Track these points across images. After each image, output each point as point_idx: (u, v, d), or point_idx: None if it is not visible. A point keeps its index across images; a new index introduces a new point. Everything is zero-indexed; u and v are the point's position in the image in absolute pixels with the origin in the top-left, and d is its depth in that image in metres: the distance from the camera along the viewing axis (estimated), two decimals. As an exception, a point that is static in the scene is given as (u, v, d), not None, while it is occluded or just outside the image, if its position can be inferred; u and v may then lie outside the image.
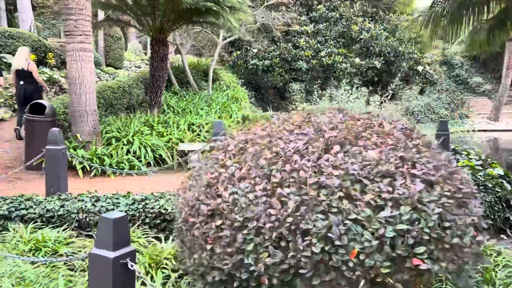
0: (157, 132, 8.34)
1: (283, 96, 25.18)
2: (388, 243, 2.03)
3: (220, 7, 9.06)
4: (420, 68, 21.57)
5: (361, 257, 2.00)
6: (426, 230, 2.03)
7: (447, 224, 2.10)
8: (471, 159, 6.15)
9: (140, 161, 7.40)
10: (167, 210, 4.39)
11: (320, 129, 2.57)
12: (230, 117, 10.11)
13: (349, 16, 20.51)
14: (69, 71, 7.30)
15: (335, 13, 20.58)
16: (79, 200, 4.59)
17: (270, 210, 2.17)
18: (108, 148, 7.45)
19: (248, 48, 19.21)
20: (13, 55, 14.29)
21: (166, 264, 3.61)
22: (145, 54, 30.56)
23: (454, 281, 2.76)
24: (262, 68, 19.30)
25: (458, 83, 34.51)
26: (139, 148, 7.52)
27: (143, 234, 4.20)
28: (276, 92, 25.18)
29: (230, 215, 2.26)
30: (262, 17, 15.31)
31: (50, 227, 4.31)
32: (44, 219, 4.46)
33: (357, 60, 19.58)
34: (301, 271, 2.06)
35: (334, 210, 2.09)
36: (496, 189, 5.26)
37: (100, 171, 6.95)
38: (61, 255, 3.89)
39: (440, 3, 10.99)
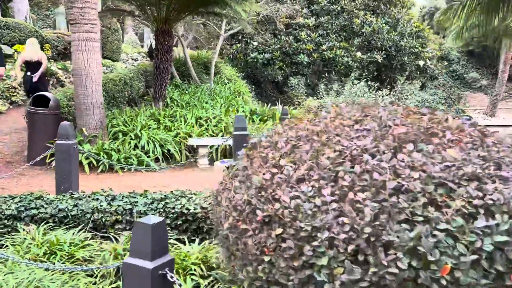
0: (164, 126, 8.03)
1: (281, 90, 24.92)
2: (484, 257, 1.76)
3: (229, -3, 8.76)
4: (421, 62, 21.34)
5: (456, 274, 1.73)
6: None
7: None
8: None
9: (149, 156, 7.09)
10: (189, 210, 4.11)
11: (385, 125, 2.29)
12: (237, 111, 9.79)
13: (350, 9, 20.20)
14: (74, 62, 6.97)
15: (337, 6, 20.28)
16: (93, 199, 4.29)
17: (343, 218, 1.90)
18: (115, 142, 7.14)
19: (248, 41, 18.87)
20: (9, 45, 13.91)
21: (194, 270, 3.33)
22: (142, 46, 30.13)
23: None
24: (262, 61, 18.97)
25: (454, 78, 34.48)
26: (147, 142, 7.21)
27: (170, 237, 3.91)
28: (274, 86, 24.92)
29: (293, 223, 1.98)
30: (266, 9, 14.97)
31: (63, 228, 4.01)
32: (56, 220, 4.16)
33: (358, 54, 19.31)
34: (383, 289, 1.79)
35: (419, 219, 1.82)
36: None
37: (107, 167, 6.65)
38: (78, 260, 3.59)
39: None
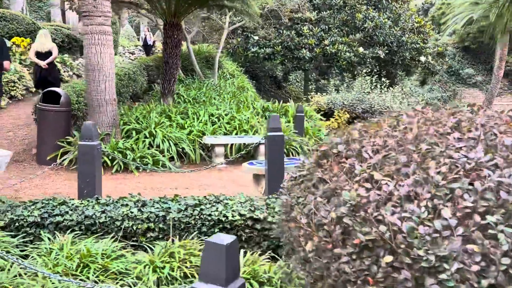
0: (176, 123, 7.72)
1: (279, 85, 24.70)
2: None
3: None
4: (423, 58, 21.18)
5: None
6: None
7: None
8: None
9: (164, 156, 6.79)
10: (227, 217, 3.83)
11: (492, 132, 2.03)
12: (248, 108, 9.48)
13: (353, 4, 19.94)
14: (86, 56, 6.62)
15: (339, 0, 19.99)
16: (122, 205, 3.99)
17: (471, 246, 1.63)
18: (128, 141, 6.82)
19: (249, 35, 18.54)
20: (6, 38, 13.47)
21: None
22: (138, 39, 29.64)
23: None
24: (263, 56, 18.67)
25: (450, 74, 34.45)
26: (162, 141, 6.90)
27: (202, 246, 3.63)
28: (272, 81, 24.69)
29: (408, 251, 1.71)
30: (274, 2, 14.65)
31: (93, 237, 3.72)
32: (83, 227, 3.87)
33: (361, 49, 19.06)
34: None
35: None
36: None
37: (122, 167, 6.34)
38: (113, 273, 3.31)
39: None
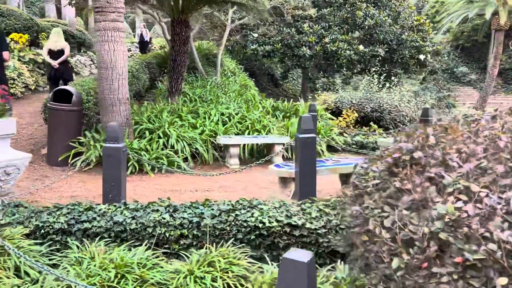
0: (188, 123, 7.53)
1: (276, 83, 24.55)
2: None
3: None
4: (422, 56, 21.08)
5: None
6: None
7: None
8: None
9: (178, 157, 6.60)
10: (264, 223, 3.66)
11: None
12: (257, 107, 9.29)
13: (353, 1, 19.77)
14: (99, 54, 6.40)
15: (339, -3, 19.83)
16: (152, 211, 3.81)
17: None
18: (142, 141, 6.62)
19: (248, 32, 18.32)
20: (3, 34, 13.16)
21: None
22: (134, 36, 29.32)
23: None
24: (262, 53, 18.46)
25: (444, 72, 34.53)
26: (176, 141, 6.71)
27: (242, 254, 3.46)
28: (270, 79, 24.54)
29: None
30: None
31: (125, 245, 3.53)
32: (112, 234, 3.68)
33: (361, 47, 18.91)
34: None
35: None
36: None
37: (137, 168, 6.15)
38: (153, 285, 3.13)
39: None
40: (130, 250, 3.51)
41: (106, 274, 3.12)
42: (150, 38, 22.40)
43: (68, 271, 3.24)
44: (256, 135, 7.66)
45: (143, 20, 27.53)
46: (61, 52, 8.44)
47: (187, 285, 3.11)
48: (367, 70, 15.99)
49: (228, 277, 3.17)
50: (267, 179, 6.21)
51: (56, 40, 8.53)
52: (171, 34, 9.27)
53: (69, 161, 6.28)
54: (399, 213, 2.03)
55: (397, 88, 12.82)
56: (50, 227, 3.67)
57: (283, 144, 7.47)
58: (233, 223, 3.69)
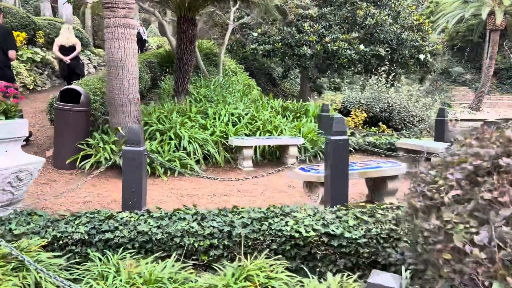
0: (197, 124, 7.25)
1: (274, 83, 24.34)
2: None
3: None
4: (422, 56, 20.93)
5: None
6: None
7: None
8: None
9: (191, 159, 6.33)
10: (300, 233, 3.40)
11: None
12: (265, 107, 9.02)
13: (353, 1, 19.58)
14: (108, 52, 6.12)
15: (340, -3, 19.63)
16: (179, 219, 3.54)
17: None
18: (153, 143, 6.35)
19: (248, 31, 18.06)
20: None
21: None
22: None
23: None
24: (262, 53, 18.21)
25: (439, 72, 34.51)
26: (189, 143, 6.44)
27: (280, 266, 3.20)
28: (268, 78, 24.32)
29: None
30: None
31: (152, 258, 3.26)
32: (136, 245, 3.41)
33: (361, 47, 18.71)
34: None
35: None
36: None
37: (149, 172, 5.87)
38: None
39: None
40: (157, 262, 3.25)
41: (136, 291, 2.85)
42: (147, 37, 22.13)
43: (91, 286, 2.98)
44: (268, 136, 7.41)
45: (140, 19, 27.24)
46: (72, 48, 8.54)
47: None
48: (372, 70, 15.77)
49: (268, 293, 2.92)
50: (284, 183, 5.97)
51: (68, 37, 8.60)
52: (177, 32, 8.98)
53: (77, 164, 5.99)
54: (496, 229, 1.78)
55: (404, 88, 12.60)
56: (69, 237, 3.40)
57: (297, 146, 7.23)
58: (266, 232, 3.43)
